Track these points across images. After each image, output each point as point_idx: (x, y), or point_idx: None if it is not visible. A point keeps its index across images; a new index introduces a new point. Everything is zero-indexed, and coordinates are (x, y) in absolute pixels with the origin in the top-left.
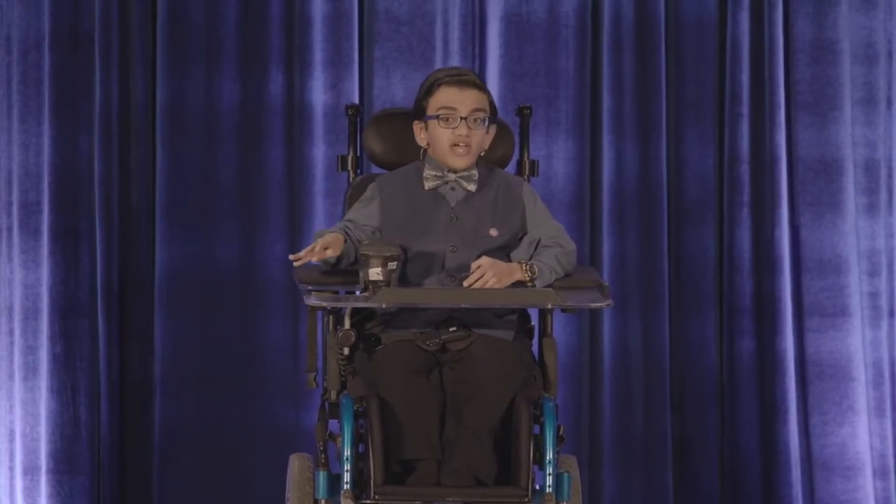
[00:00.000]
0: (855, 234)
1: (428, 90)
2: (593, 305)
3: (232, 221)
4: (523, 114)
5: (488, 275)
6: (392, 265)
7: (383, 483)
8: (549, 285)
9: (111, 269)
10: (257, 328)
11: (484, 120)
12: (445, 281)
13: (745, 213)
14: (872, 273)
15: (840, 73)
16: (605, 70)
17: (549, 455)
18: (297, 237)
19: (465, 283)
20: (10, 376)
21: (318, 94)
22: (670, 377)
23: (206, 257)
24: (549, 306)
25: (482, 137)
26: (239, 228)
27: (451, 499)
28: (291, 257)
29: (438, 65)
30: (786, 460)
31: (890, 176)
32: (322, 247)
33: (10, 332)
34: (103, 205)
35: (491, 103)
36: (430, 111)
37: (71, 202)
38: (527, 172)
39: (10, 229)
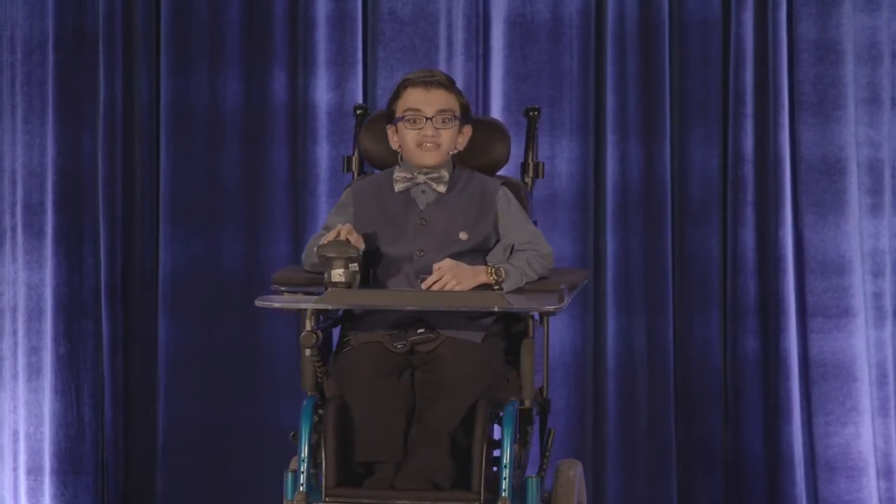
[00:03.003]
0: (859, 235)
1: (395, 93)
2: (542, 308)
3: (236, 222)
4: (530, 116)
5: (447, 277)
6: (353, 266)
7: (335, 485)
8: (521, 288)
9: (115, 270)
10: (261, 329)
11: (451, 119)
12: (415, 284)
13: (749, 213)
14: (876, 273)
15: (843, 74)
16: (609, 70)
17: (506, 459)
18: (300, 237)
19: (424, 286)
20: (14, 377)
21: (322, 94)
22: (674, 377)
23: (210, 258)
24: (496, 309)
25: (452, 137)
26: (243, 229)
27: (401, 502)
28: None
29: (442, 65)
30: (789, 460)
31: (894, 176)
32: (347, 231)
33: (14, 333)
34: (107, 205)
35: (462, 104)
36: (399, 113)
37: (75, 203)
38: (531, 174)
39: (13, 230)
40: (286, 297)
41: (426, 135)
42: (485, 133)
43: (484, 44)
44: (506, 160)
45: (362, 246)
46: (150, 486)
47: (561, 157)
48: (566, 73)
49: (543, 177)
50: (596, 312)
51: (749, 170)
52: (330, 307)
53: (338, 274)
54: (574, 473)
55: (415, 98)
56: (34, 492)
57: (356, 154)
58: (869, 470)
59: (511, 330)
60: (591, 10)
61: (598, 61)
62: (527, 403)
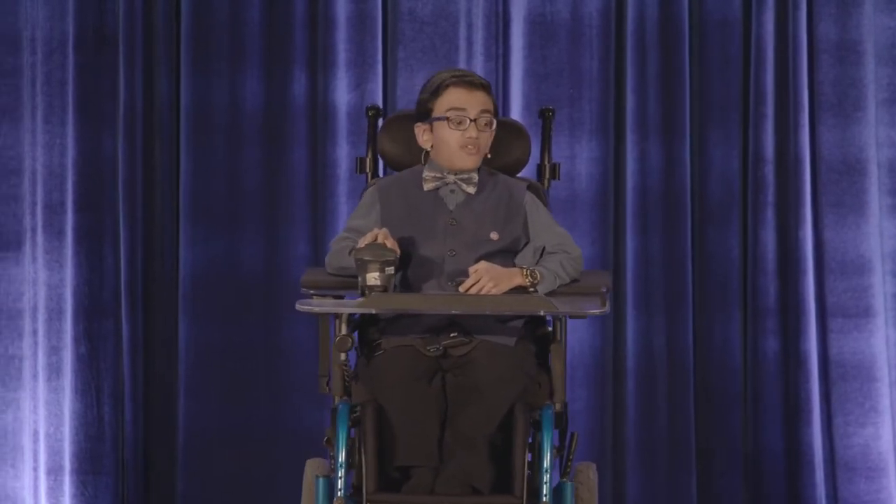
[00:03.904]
0: (879, 235)
1: (435, 91)
2: (588, 312)
3: (256, 222)
4: (545, 116)
5: (484, 279)
6: (389, 270)
7: (376, 490)
8: (553, 291)
9: (135, 270)
10: (281, 329)
11: (491, 122)
12: (445, 285)
13: (770, 213)
14: None
15: (864, 74)
16: (629, 70)
17: (546, 463)
18: (320, 238)
19: (461, 289)
20: (35, 377)
21: (342, 95)
22: (694, 378)
23: (229, 258)
24: (542, 313)
25: (489, 139)
26: (262, 229)
27: None
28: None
29: (462, 65)
30: (809, 461)
31: None
32: (384, 236)
33: (34, 333)
34: (127, 205)
35: (495, 106)
36: (438, 112)
37: (95, 203)
38: (547, 175)
39: (34, 230)
40: (325, 300)
41: (471, 136)
42: (506, 134)
43: (504, 44)
44: (527, 161)
45: (398, 251)
46: (169, 487)
47: (581, 157)
48: (586, 73)
49: (559, 178)
50: (616, 313)
51: (769, 170)
52: (374, 311)
53: (373, 277)
54: (594, 475)
55: (458, 98)
56: (54, 492)
57: (370, 155)
58: (889, 470)
59: (536, 333)
60: (610, 10)
61: (618, 61)
62: (558, 407)
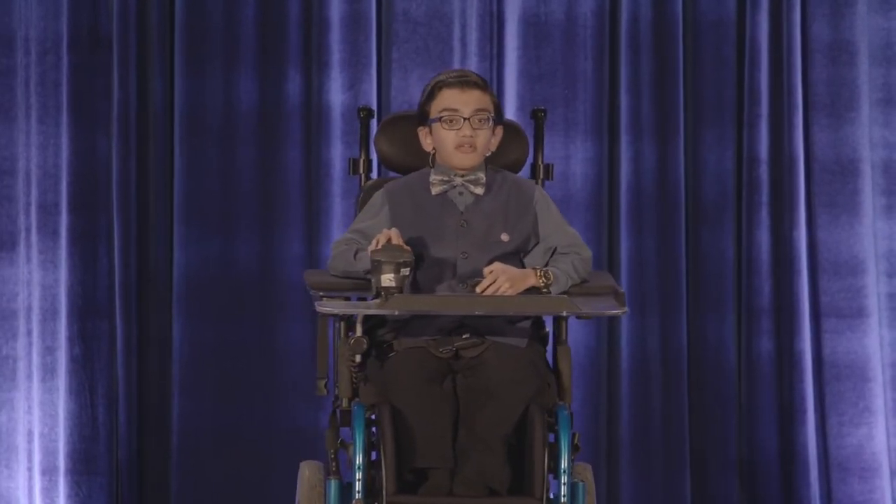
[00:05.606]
0: (872, 236)
1: (430, 94)
2: (609, 312)
3: (250, 222)
4: (538, 116)
5: (501, 279)
6: (405, 271)
7: (395, 492)
8: (565, 292)
9: (129, 271)
10: (275, 329)
11: (488, 120)
12: (457, 287)
13: (764, 214)
14: (891, 274)
15: (857, 75)
16: (623, 71)
17: (564, 464)
18: (315, 238)
19: (478, 289)
20: (29, 377)
21: (336, 95)
22: (688, 378)
23: (223, 258)
24: (564, 314)
25: (487, 138)
26: (257, 229)
27: None
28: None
29: (456, 66)
30: (803, 461)
31: None
32: (397, 236)
33: (29, 334)
34: (121, 206)
35: (495, 104)
36: (433, 114)
37: (89, 203)
38: (541, 176)
39: (28, 230)
40: (339, 302)
41: (465, 135)
42: (504, 134)
43: (498, 44)
44: (525, 161)
45: (409, 251)
46: (164, 487)
47: (575, 157)
48: (580, 74)
49: (553, 178)
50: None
51: (763, 171)
52: (397, 313)
53: (388, 279)
54: (591, 476)
55: (451, 98)
56: (48, 492)
57: (363, 156)
58: (882, 471)
59: (540, 334)
60: (605, 11)
61: (612, 62)
62: (568, 408)
